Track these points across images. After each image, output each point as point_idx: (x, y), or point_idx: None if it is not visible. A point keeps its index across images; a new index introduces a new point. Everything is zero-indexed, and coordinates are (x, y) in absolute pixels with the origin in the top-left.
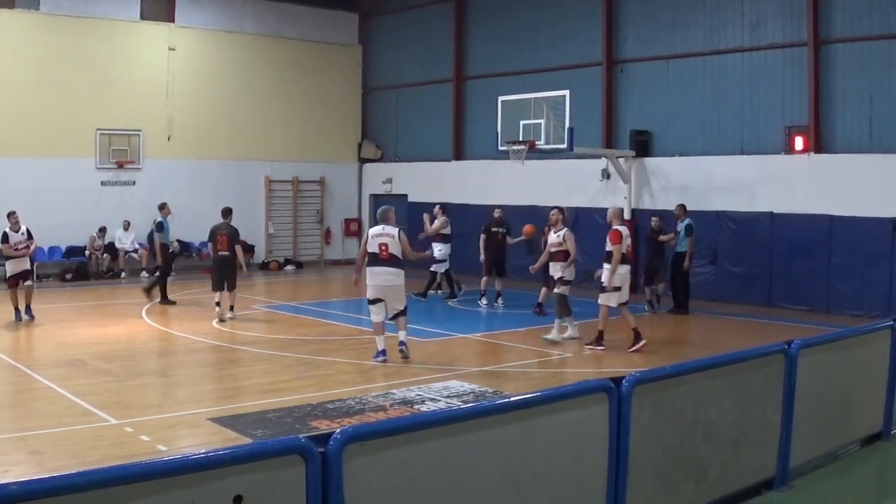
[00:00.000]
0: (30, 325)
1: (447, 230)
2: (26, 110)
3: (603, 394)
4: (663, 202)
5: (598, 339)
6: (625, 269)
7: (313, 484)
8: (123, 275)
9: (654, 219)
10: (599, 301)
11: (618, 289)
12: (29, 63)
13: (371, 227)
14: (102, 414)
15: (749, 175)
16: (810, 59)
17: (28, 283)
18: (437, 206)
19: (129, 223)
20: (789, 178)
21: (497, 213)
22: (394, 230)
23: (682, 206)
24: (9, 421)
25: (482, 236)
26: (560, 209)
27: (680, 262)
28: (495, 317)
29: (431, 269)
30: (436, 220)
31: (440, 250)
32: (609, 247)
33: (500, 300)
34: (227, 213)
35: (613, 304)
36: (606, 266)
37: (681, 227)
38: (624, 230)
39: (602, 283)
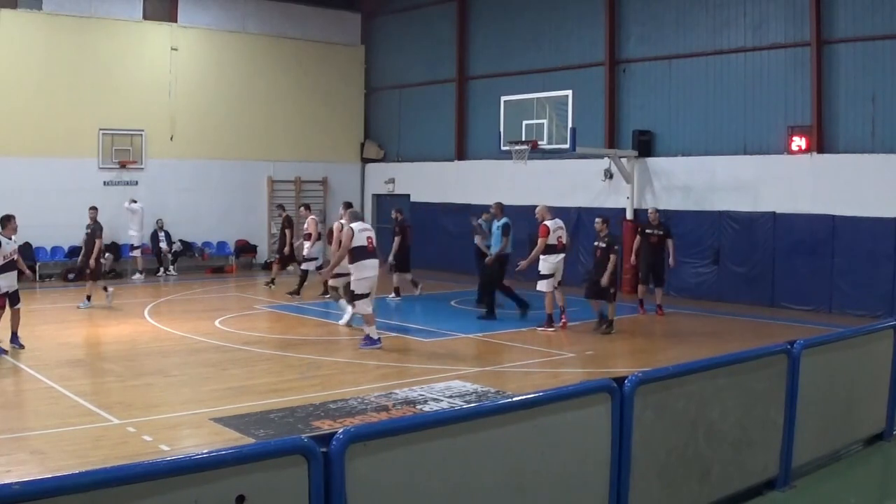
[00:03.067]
0: (31, 326)
1: (318, 228)
2: (29, 110)
3: (605, 394)
4: (666, 202)
5: (549, 322)
6: (556, 259)
7: (316, 484)
8: (135, 276)
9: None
10: (537, 288)
11: (549, 276)
12: (31, 63)
13: (353, 223)
14: (105, 414)
15: (751, 175)
16: (813, 60)
17: (18, 305)
18: (303, 207)
19: (133, 199)
20: (792, 178)
21: (652, 214)
22: (370, 227)
23: (500, 205)
24: (11, 421)
25: (637, 238)
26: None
27: (493, 263)
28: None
29: (303, 267)
30: (306, 223)
31: (310, 249)
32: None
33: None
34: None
35: (549, 289)
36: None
37: (496, 226)
38: (553, 224)
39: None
